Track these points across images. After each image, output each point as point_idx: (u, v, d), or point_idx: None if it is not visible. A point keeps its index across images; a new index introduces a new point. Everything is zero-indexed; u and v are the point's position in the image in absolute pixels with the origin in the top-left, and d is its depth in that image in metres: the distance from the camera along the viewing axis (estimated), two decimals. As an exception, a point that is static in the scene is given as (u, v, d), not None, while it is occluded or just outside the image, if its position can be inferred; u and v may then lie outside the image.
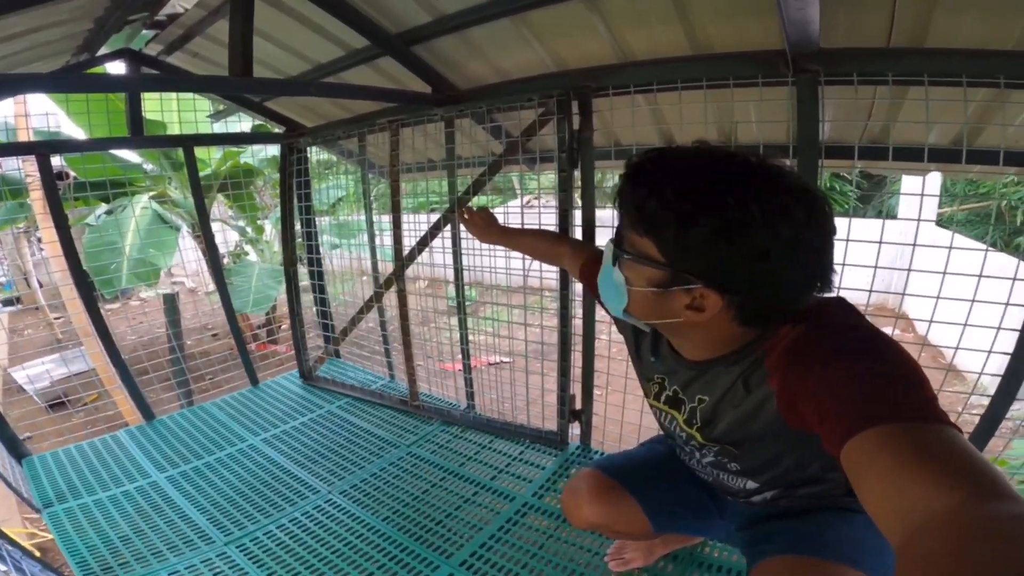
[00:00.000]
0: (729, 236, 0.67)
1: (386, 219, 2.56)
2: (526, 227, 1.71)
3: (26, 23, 1.74)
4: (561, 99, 1.76)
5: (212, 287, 5.51)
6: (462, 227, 1.65)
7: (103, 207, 5.34)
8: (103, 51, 2.43)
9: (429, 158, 2.76)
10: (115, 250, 4.45)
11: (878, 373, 0.61)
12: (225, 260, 5.71)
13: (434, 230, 2.32)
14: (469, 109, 2.00)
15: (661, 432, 1.16)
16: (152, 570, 1.55)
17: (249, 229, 5.51)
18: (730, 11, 1.42)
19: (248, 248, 5.67)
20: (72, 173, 4.68)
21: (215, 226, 5.84)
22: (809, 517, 0.95)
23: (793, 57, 1.37)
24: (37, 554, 1.88)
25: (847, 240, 1.38)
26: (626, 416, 1.96)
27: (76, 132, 4.68)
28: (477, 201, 2.28)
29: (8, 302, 7.11)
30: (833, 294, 0.77)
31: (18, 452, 2.25)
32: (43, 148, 2.22)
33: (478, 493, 1.86)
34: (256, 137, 3.04)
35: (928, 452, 0.50)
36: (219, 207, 5.69)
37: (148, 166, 5.15)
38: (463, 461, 2.09)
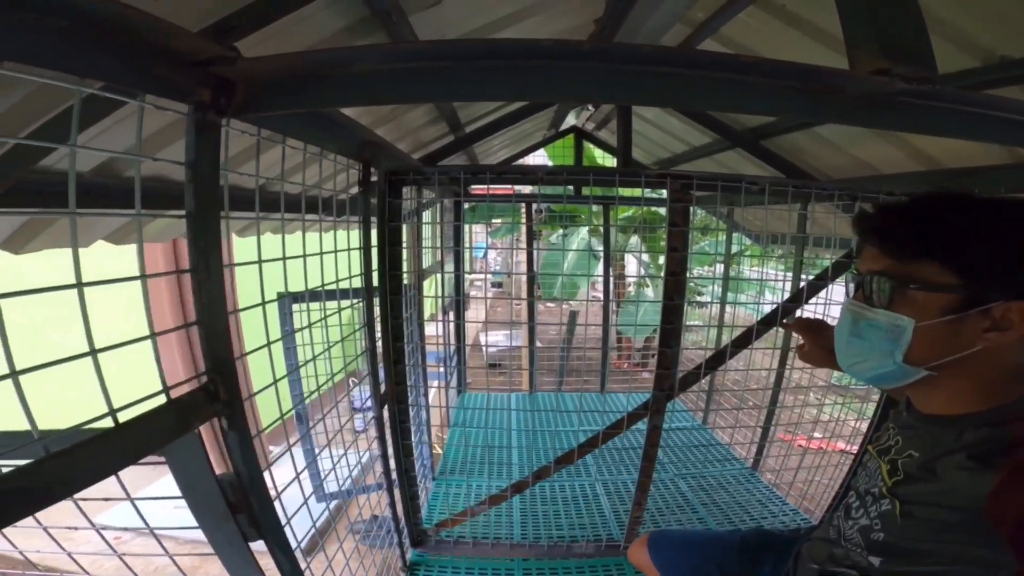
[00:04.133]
0: None
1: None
2: None
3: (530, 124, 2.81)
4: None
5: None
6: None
7: (560, 231, 7.21)
8: (563, 127, 3.70)
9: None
10: (557, 266, 6.00)
11: None
12: (630, 288, 6.74)
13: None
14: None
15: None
16: (472, 481, 2.37)
17: (651, 266, 6.35)
18: None
19: (648, 281, 6.52)
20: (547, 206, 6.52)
21: (629, 257, 6.99)
22: None
23: None
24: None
25: None
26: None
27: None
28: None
29: (496, 284, 10.89)
30: None
31: (461, 388, 3.53)
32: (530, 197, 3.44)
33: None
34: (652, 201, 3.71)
35: None
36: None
37: (595, 207, 6.62)
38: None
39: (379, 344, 1.55)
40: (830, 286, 1.83)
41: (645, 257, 6.48)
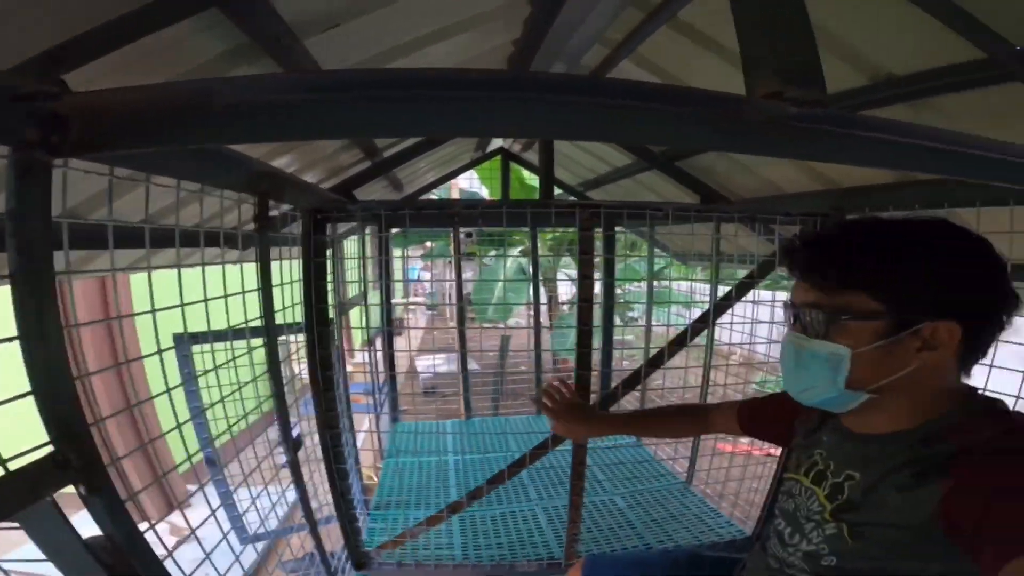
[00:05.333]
0: (952, 260, 0.74)
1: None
2: (634, 412, 1.55)
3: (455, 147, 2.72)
4: (825, 218, 1.75)
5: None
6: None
7: (493, 252, 7.24)
8: (490, 149, 3.75)
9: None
10: (491, 288, 6.00)
11: None
12: (565, 308, 6.84)
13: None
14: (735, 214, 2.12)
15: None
16: (410, 513, 2.28)
17: (584, 286, 6.49)
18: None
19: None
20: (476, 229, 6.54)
21: (561, 276, 7.10)
22: None
23: None
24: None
25: None
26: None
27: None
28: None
29: (431, 307, 10.41)
30: None
31: (394, 418, 3.41)
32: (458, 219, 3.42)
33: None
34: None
35: None
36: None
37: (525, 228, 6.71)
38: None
39: (297, 381, 1.50)
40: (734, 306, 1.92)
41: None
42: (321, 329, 1.57)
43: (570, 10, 1.53)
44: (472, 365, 5.80)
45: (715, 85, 0.81)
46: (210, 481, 1.95)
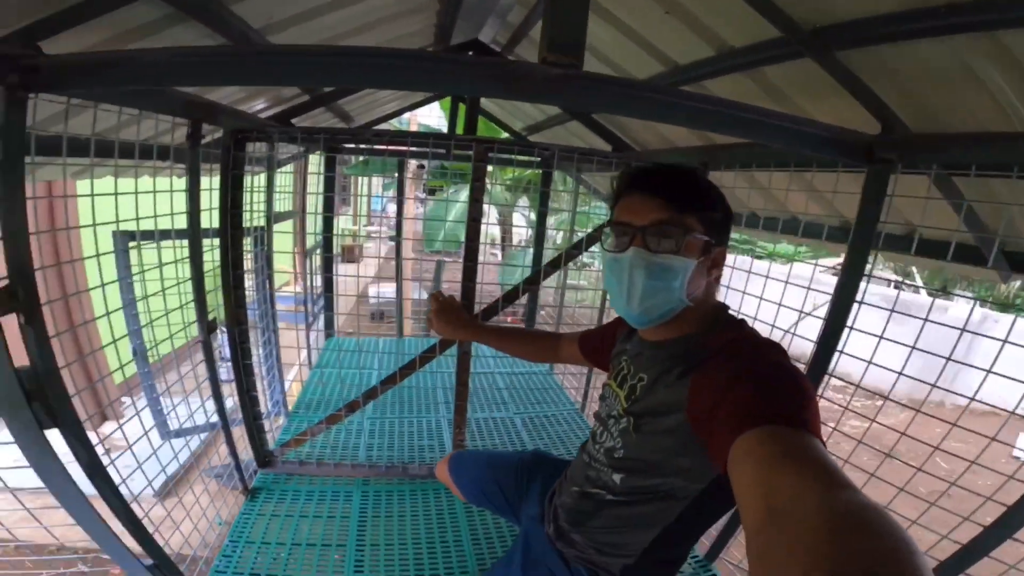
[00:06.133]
0: (726, 207, 0.95)
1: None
2: (503, 327, 1.76)
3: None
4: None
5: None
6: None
7: (453, 188, 7.40)
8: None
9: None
10: (440, 221, 6.22)
11: (776, 389, 0.72)
12: (523, 242, 7.11)
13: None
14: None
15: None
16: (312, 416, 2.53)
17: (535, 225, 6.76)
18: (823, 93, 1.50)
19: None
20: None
21: (517, 215, 7.31)
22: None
23: (870, 145, 1.34)
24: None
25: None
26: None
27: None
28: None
29: (392, 238, 10.43)
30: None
31: (328, 333, 3.66)
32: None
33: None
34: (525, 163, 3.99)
35: (798, 451, 0.60)
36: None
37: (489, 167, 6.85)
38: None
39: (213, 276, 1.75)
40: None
41: (533, 216, 6.85)
42: (234, 232, 1.77)
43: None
44: (422, 293, 6.15)
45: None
46: (140, 387, 2.13)
